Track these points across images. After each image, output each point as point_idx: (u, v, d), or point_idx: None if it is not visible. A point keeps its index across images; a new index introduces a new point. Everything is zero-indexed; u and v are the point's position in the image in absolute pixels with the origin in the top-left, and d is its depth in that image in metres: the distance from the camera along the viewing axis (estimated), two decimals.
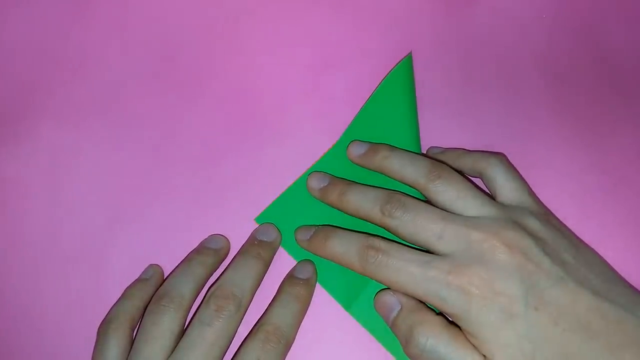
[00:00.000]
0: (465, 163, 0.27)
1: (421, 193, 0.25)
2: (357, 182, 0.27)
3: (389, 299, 0.24)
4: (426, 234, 0.23)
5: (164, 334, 0.23)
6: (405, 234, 0.24)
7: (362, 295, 0.26)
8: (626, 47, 0.32)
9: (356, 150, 0.28)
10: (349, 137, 0.29)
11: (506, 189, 0.25)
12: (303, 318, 0.25)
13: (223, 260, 0.27)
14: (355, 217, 0.26)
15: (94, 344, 0.24)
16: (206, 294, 0.24)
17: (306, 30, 0.33)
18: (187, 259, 0.26)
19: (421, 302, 0.24)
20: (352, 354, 0.26)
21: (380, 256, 0.23)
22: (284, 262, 0.27)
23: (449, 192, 0.24)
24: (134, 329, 0.25)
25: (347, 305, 0.26)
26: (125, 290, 0.26)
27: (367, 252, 0.23)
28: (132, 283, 0.26)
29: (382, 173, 0.27)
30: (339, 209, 0.26)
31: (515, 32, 0.33)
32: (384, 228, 0.25)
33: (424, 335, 0.22)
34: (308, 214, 0.28)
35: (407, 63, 0.30)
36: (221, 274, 0.25)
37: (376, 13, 0.33)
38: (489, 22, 0.33)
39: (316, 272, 0.27)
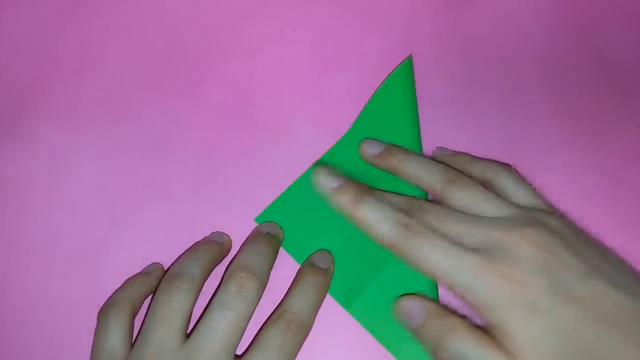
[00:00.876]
0: (473, 171, 0.27)
1: (437, 198, 0.25)
2: (375, 188, 0.26)
3: (413, 304, 0.24)
4: (452, 233, 0.23)
5: (176, 315, 0.23)
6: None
7: (362, 295, 0.26)
8: (626, 47, 0.32)
9: (371, 150, 0.27)
10: (350, 139, 0.29)
11: (519, 196, 0.25)
12: (320, 307, 0.25)
13: (226, 255, 0.27)
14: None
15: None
16: (223, 276, 0.24)
17: (306, 31, 0.33)
18: (192, 248, 0.26)
19: (444, 306, 0.24)
20: (352, 354, 0.26)
21: (415, 237, 0.23)
22: (284, 262, 0.27)
23: (465, 197, 0.24)
24: (135, 317, 0.25)
25: (347, 305, 0.26)
26: (125, 280, 0.26)
27: (402, 229, 0.23)
28: (133, 275, 0.26)
29: (396, 175, 0.27)
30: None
31: (515, 32, 0.33)
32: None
33: (452, 341, 0.22)
34: (308, 213, 0.28)
35: (407, 65, 0.30)
36: (233, 259, 0.25)
37: (376, 13, 0.33)
38: (489, 22, 0.33)
39: (334, 262, 0.27)
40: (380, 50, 0.32)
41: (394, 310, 0.25)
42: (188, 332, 0.24)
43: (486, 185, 0.27)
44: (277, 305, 0.25)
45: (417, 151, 0.28)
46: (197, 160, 0.30)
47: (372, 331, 0.26)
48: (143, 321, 0.24)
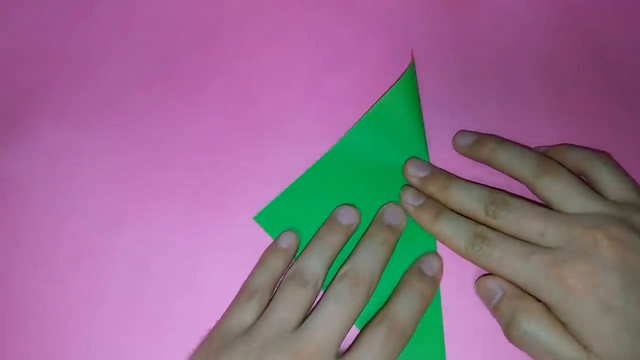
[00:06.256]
0: (567, 161, 0.27)
1: (528, 188, 0.26)
2: (458, 177, 0.27)
3: (491, 284, 0.25)
4: (529, 232, 0.24)
5: (300, 304, 0.24)
6: (509, 233, 0.24)
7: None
8: (626, 47, 0.32)
9: (463, 141, 0.28)
10: (350, 141, 0.29)
11: (613, 189, 0.25)
12: (422, 316, 0.25)
13: (350, 237, 0.27)
14: (456, 211, 0.26)
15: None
16: (337, 272, 0.25)
17: (307, 31, 0.33)
18: (319, 236, 0.26)
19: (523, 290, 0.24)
20: None
21: (485, 245, 0.24)
22: None
23: (555, 188, 0.24)
24: (270, 296, 0.25)
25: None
26: (265, 257, 0.26)
27: (474, 239, 0.24)
28: (271, 250, 0.26)
29: (488, 165, 0.27)
30: (438, 200, 0.27)
31: (515, 32, 0.33)
32: (486, 226, 0.25)
33: (525, 321, 0.22)
34: (308, 212, 0.28)
35: (411, 71, 0.29)
36: (351, 255, 0.25)
37: (376, 13, 0.33)
38: (489, 22, 0.33)
39: (442, 270, 0.26)
40: (380, 50, 0.32)
41: (476, 287, 0.26)
42: None
43: (582, 177, 0.26)
44: (380, 309, 0.24)
45: (423, 155, 0.28)
46: (197, 160, 0.30)
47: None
48: (274, 296, 0.25)
